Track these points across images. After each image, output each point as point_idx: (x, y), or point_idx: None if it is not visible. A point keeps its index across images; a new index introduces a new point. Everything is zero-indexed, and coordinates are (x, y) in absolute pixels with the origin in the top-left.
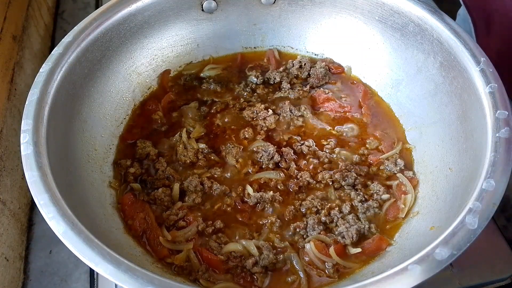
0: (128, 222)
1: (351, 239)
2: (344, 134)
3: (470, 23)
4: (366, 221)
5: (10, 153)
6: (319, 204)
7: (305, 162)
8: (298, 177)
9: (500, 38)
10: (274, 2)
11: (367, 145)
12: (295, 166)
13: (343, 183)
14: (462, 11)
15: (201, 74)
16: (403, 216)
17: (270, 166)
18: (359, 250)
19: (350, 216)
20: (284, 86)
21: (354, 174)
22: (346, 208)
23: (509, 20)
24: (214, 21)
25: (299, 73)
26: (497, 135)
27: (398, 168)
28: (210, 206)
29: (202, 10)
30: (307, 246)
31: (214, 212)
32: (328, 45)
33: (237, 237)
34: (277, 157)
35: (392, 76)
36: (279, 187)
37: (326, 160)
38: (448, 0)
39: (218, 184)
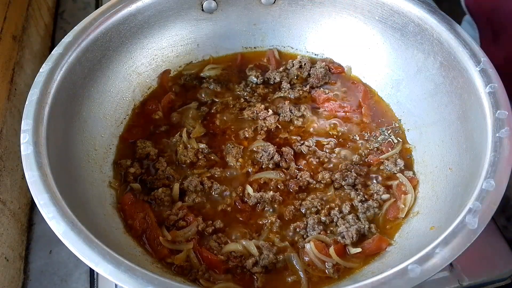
0: (128, 222)
1: (351, 239)
2: (344, 134)
3: (475, 29)
4: (366, 221)
5: (10, 153)
6: (319, 204)
7: (305, 162)
8: (298, 177)
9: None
10: (274, 2)
11: (367, 145)
12: (295, 166)
13: (343, 183)
14: (468, 17)
15: (201, 74)
16: (403, 216)
17: (270, 166)
18: (359, 250)
19: (350, 216)
20: (284, 86)
21: (354, 174)
22: (346, 208)
23: None
24: (214, 21)
25: (299, 73)
26: (497, 135)
27: (398, 168)
28: (210, 206)
29: (202, 10)
30: (307, 246)
31: (214, 212)
32: (328, 45)
33: (237, 237)
34: (277, 157)
35: (392, 76)
36: (279, 187)
37: (326, 160)
38: (448, 0)
39: (218, 184)
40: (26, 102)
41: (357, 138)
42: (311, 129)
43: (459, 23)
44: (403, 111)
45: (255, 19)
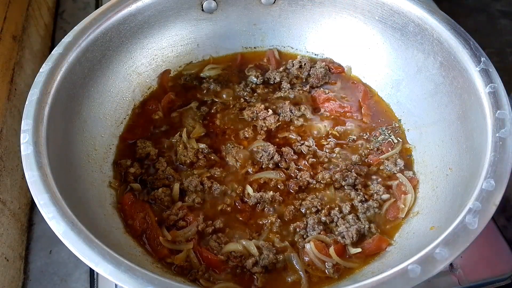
0: (128, 222)
1: (351, 239)
2: (344, 134)
3: None
4: (366, 221)
5: (10, 153)
6: (319, 204)
7: (305, 162)
8: (298, 177)
9: None
10: (274, 2)
11: (367, 145)
12: (295, 166)
13: (343, 183)
14: None
15: (201, 74)
16: (403, 216)
17: (270, 166)
18: (359, 250)
19: (350, 216)
20: (284, 86)
21: (354, 174)
22: (346, 208)
23: None
24: (214, 21)
25: (299, 73)
26: (497, 135)
27: (398, 168)
28: (210, 206)
29: (202, 10)
30: (307, 246)
31: (214, 212)
32: (328, 45)
33: (237, 237)
34: (277, 157)
35: (392, 76)
36: (279, 187)
37: (326, 160)
38: (448, 0)
39: (218, 184)
40: (26, 102)
41: (357, 138)
42: (311, 129)
43: (459, 23)
44: (403, 111)
45: (255, 19)
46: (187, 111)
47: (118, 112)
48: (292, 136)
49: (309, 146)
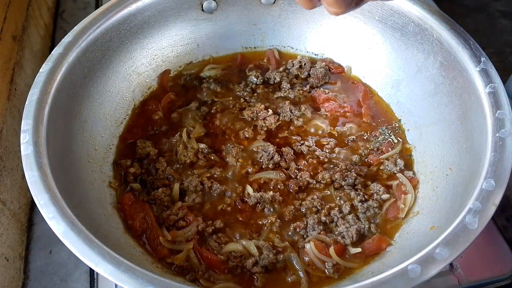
0: (128, 222)
1: (351, 239)
2: (344, 134)
3: None
4: (366, 221)
5: (10, 153)
6: (319, 204)
7: (305, 162)
8: (298, 177)
9: None
10: (274, 2)
11: (367, 145)
12: (295, 166)
13: (343, 183)
14: None
15: (201, 74)
16: (403, 216)
17: (270, 166)
18: (359, 250)
19: (350, 216)
20: (284, 86)
21: (354, 174)
22: (346, 208)
23: None
24: (214, 21)
25: (299, 73)
26: (497, 135)
27: (398, 168)
28: (210, 206)
29: (202, 10)
30: (307, 246)
31: (214, 212)
32: (328, 45)
33: (237, 237)
34: (277, 157)
35: (392, 76)
36: (279, 187)
37: (326, 160)
38: (448, 0)
39: (218, 184)
40: (26, 102)
41: (357, 138)
42: (311, 129)
43: (459, 23)
44: (403, 111)
45: (255, 19)
46: (187, 111)
47: (118, 112)
48: (292, 136)
49: (309, 146)
